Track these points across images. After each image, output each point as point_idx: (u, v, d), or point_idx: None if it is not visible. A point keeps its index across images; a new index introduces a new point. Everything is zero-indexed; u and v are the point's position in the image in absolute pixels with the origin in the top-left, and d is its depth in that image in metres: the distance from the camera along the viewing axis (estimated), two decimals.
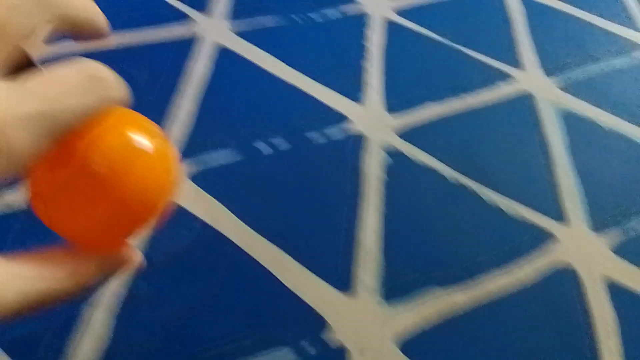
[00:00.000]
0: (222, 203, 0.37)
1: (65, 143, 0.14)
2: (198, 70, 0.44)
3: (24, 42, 0.16)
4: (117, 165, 0.14)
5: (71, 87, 0.17)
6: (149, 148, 0.14)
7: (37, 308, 0.17)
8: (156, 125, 0.15)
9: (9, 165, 0.14)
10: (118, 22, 0.47)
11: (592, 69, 0.50)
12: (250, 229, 0.35)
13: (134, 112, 0.15)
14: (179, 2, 0.50)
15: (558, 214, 0.38)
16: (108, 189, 0.14)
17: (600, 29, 0.55)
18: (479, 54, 0.49)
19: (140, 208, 0.15)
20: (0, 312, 0.16)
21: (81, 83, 0.17)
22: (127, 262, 0.19)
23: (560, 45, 0.52)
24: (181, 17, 0.49)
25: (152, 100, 0.42)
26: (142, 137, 0.14)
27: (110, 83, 0.17)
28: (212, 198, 0.37)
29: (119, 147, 0.14)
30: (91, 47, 0.45)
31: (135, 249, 0.17)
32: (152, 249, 0.34)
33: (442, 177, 0.40)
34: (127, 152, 0.14)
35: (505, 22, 0.54)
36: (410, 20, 0.53)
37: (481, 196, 0.39)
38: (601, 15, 0.56)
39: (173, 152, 0.15)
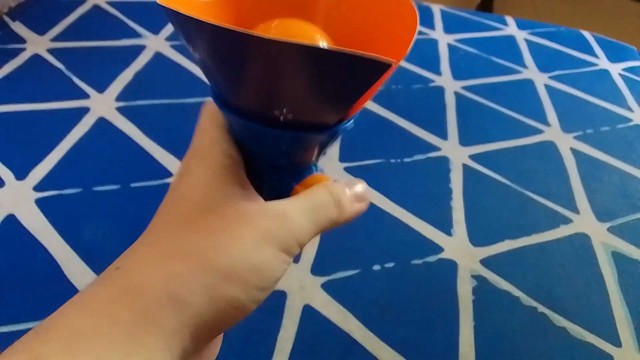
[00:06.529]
0: (347, 309, 0.48)
1: None
2: None
3: None
4: None
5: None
6: None
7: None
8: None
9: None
10: None
11: (635, 215, 0.61)
12: (372, 333, 0.46)
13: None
14: None
15: (614, 339, 0.48)
16: None
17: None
18: (543, 198, 0.61)
19: None
20: (303, 241, 0.23)
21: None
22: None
23: (607, 193, 0.64)
24: None
25: None
26: None
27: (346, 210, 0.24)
28: (339, 304, 0.48)
29: None
30: None
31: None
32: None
33: (517, 299, 0.50)
34: None
35: (562, 170, 0.66)
36: (483, 165, 0.66)
37: (549, 318, 0.49)
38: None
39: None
